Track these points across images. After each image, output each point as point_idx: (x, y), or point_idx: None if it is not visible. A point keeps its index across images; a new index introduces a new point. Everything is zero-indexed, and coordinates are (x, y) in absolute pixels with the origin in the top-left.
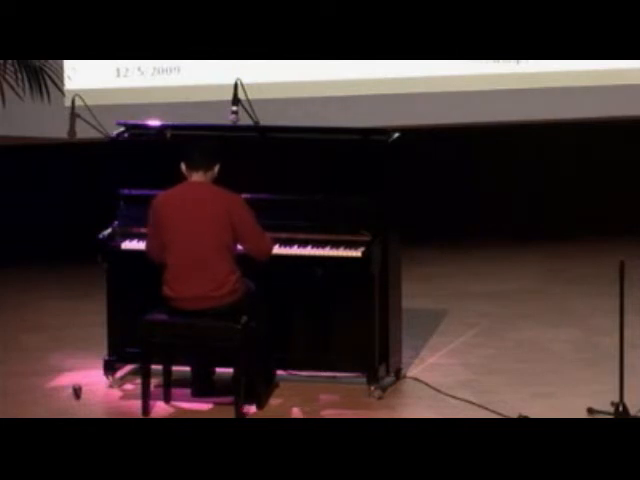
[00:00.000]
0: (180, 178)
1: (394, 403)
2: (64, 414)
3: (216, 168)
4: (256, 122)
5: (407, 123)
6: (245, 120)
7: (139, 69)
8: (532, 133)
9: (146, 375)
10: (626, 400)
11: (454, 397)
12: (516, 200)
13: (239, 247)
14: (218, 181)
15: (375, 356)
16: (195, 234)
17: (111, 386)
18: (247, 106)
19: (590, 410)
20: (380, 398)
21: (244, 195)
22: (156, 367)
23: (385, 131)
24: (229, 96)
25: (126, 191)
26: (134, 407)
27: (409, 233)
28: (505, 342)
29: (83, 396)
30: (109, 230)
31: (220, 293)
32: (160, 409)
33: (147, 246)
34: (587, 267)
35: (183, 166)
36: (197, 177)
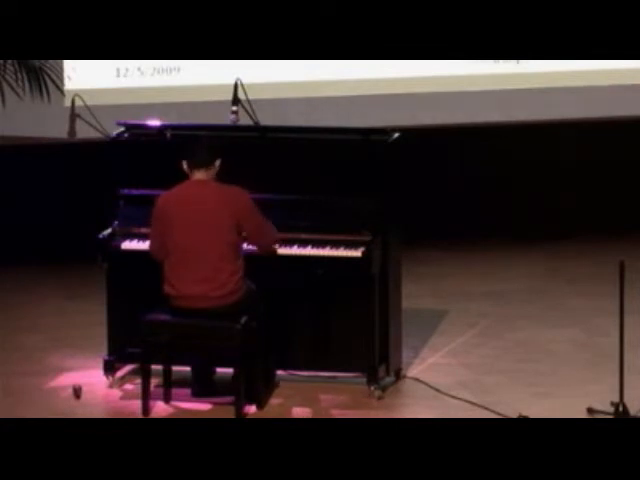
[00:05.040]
0: (180, 177)
1: (394, 403)
2: (64, 414)
3: (217, 163)
4: (256, 122)
5: (407, 123)
6: (245, 120)
7: (139, 69)
8: (532, 133)
9: (146, 375)
10: (626, 400)
11: (454, 397)
12: (516, 200)
13: (245, 246)
14: (219, 180)
15: (375, 356)
16: (199, 233)
17: (111, 386)
18: (247, 106)
19: (590, 410)
20: (380, 398)
21: None
22: (156, 367)
23: (385, 131)
24: (229, 96)
25: (126, 191)
26: (134, 407)
27: (409, 233)
28: (505, 342)
29: (83, 396)
30: (109, 230)
31: (221, 293)
32: (160, 409)
33: (151, 247)
34: (587, 267)
35: (185, 164)
36: (199, 175)
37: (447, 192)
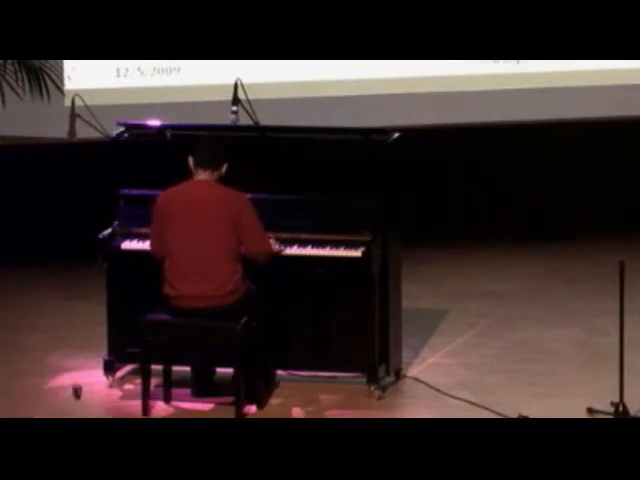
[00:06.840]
0: (180, 177)
1: (394, 403)
2: (64, 414)
3: (223, 168)
4: (256, 122)
5: (407, 123)
6: (245, 120)
7: (139, 69)
8: (532, 133)
9: (146, 375)
10: (626, 400)
11: (454, 397)
12: (516, 200)
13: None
14: (221, 182)
15: (375, 356)
16: (199, 233)
17: (111, 386)
18: (247, 106)
19: (590, 410)
20: (380, 398)
21: None
22: (156, 367)
23: (385, 131)
24: (229, 96)
25: (126, 191)
26: (134, 407)
27: (409, 233)
28: (505, 342)
29: (83, 396)
30: (109, 230)
31: (221, 293)
32: (160, 409)
33: (151, 245)
34: (587, 267)
35: (191, 161)
36: (203, 175)
37: (447, 192)
